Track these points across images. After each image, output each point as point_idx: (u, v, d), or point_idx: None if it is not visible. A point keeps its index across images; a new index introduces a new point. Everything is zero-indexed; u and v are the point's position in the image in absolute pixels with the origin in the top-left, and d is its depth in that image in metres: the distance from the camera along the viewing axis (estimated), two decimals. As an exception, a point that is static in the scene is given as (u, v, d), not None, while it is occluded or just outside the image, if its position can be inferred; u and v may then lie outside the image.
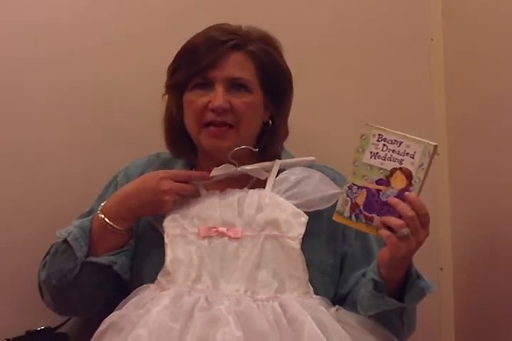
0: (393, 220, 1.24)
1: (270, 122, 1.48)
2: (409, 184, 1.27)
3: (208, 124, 1.41)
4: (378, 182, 1.28)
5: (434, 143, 1.28)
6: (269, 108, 1.47)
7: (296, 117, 1.80)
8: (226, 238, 1.35)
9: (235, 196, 1.40)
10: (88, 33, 1.72)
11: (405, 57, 1.94)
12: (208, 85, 1.42)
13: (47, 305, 1.48)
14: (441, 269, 1.93)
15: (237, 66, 1.42)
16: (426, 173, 1.27)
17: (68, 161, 1.70)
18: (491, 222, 1.77)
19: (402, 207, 1.24)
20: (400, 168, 1.27)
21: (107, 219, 1.38)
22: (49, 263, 1.43)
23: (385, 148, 1.28)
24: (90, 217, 1.42)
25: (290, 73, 1.49)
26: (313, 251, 1.39)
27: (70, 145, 1.71)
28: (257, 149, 1.45)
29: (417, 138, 1.29)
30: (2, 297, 1.62)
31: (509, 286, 1.67)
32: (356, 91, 1.91)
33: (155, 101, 1.54)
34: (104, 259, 1.38)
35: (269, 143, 1.48)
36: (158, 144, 1.55)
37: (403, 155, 1.27)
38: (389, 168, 1.28)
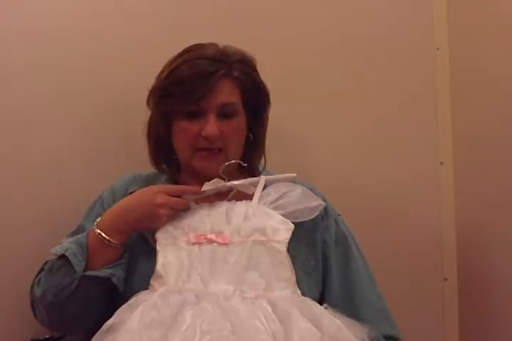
0: None
1: (251, 136, 1.56)
2: None
3: (200, 148, 1.49)
4: None
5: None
6: (249, 123, 1.55)
7: (298, 127, 1.84)
8: (215, 244, 1.39)
9: (223, 207, 1.45)
10: (91, 38, 1.73)
11: (411, 66, 1.94)
12: (199, 113, 1.48)
13: (40, 322, 1.49)
14: (446, 279, 1.93)
15: (226, 93, 1.49)
16: None
17: (69, 166, 1.70)
18: (496, 232, 1.77)
19: None
20: None
21: (103, 234, 1.41)
22: (44, 280, 1.45)
23: None
24: (85, 233, 1.45)
25: (266, 88, 1.56)
26: (295, 253, 1.42)
27: (70, 151, 1.71)
28: (246, 164, 1.52)
29: None
30: (6, 306, 1.62)
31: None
32: (361, 100, 1.91)
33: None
34: (102, 272, 1.40)
35: (252, 154, 1.56)
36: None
37: None
38: None
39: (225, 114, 1.49)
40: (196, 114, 1.48)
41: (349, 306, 1.44)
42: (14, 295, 1.60)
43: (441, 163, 1.95)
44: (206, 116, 1.48)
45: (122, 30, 1.75)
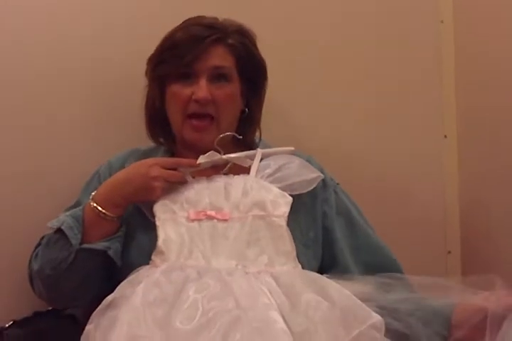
0: None
1: (247, 110, 1.56)
2: None
3: (191, 116, 1.49)
4: None
5: None
6: (245, 96, 1.56)
7: (299, 100, 1.83)
8: (215, 220, 1.39)
9: (221, 181, 1.45)
10: (91, 26, 1.72)
11: (415, 40, 1.94)
12: (191, 77, 1.49)
13: (38, 295, 1.50)
14: (450, 252, 1.93)
15: (219, 57, 1.50)
16: None
17: (69, 142, 1.70)
18: (499, 206, 1.77)
19: None
20: None
21: (99, 207, 1.41)
22: (41, 254, 1.46)
23: None
24: (81, 207, 1.45)
25: (264, 62, 1.56)
26: (294, 225, 1.42)
27: (70, 126, 1.71)
28: (241, 137, 1.52)
29: None
30: (9, 279, 1.63)
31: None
32: (364, 73, 1.90)
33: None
34: (98, 245, 1.41)
35: (247, 129, 1.56)
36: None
37: None
38: None
39: (217, 77, 1.49)
40: (188, 77, 1.49)
41: (364, 273, 1.43)
42: (17, 268, 1.60)
43: (445, 137, 1.95)
44: (198, 80, 1.48)
45: (126, 22, 1.74)
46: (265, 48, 1.56)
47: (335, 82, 1.88)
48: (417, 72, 1.94)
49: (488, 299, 1.25)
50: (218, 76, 1.49)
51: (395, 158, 1.91)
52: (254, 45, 1.55)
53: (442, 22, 1.95)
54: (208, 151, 1.46)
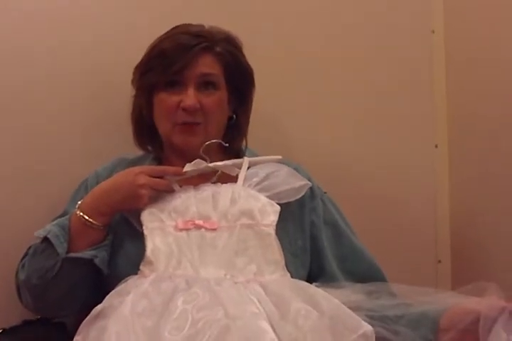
0: None
1: (234, 117, 1.56)
2: None
3: (180, 125, 1.49)
4: None
5: None
6: (232, 103, 1.56)
7: (295, 116, 1.84)
8: (203, 229, 1.39)
9: (209, 190, 1.44)
10: (90, 29, 1.73)
11: (407, 49, 1.94)
12: (179, 85, 1.49)
13: (25, 306, 1.49)
14: (440, 261, 1.93)
15: (207, 65, 1.50)
16: None
17: (57, 150, 1.70)
18: (490, 215, 1.77)
19: None
20: None
21: (85, 216, 1.41)
22: (28, 263, 1.45)
23: None
24: (68, 216, 1.45)
25: (251, 70, 1.57)
26: (282, 234, 1.42)
27: (58, 136, 1.70)
28: (227, 144, 1.52)
29: None
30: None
31: (509, 280, 1.67)
32: (355, 82, 1.91)
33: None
34: (84, 254, 1.40)
35: (234, 137, 1.57)
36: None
37: None
38: None
39: (205, 85, 1.49)
40: (176, 86, 1.49)
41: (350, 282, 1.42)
42: (6, 275, 1.60)
43: (436, 146, 1.95)
44: (186, 88, 1.48)
45: (124, 27, 1.75)
46: (255, 55, 1.56)
47: (325, 91, 1.88)
48: (408, 81, 1.94)
49: (480, 303, 1.25)
50: (206, 84, 1.50)
51: (387, 167, 1.92)
52: (241, 52, 1.56)
53: (433, 32, 1.96)
54: (194, 158, 1.45)
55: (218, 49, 1.51)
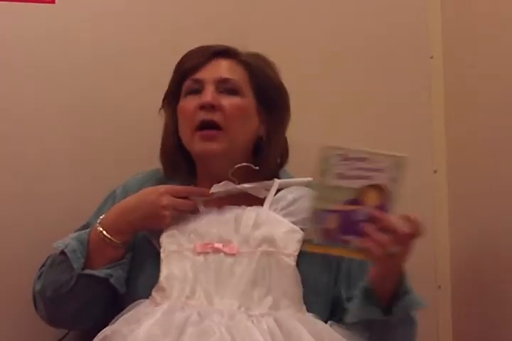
0: (382, 240, 1.22)
1: (264, 138, 1.50)
2: (384, 199, 1.24)
3: (199, 128, 1.43)
4: (350, 202, 1.23)
5: (404, 155, 1.25)
6: (264, 122, 1.49)
7: (293, 133, 1.83)
8: (222, 254, 1.35)
9: (232, 213, 1.40)
10: (92, 49, 1.75)
11: (405, 75, 1.95)
12: (199, 90, 1.44)
13: (41, 316, 1.48)
14: (439, 287, 1.92)
15: (227, 69, 1.46)
16: (399, 186, 1.24)
17: (68, 177, 1.71)
18: (490, 240, 1.77)
19: (388, 220, 1.23)
20: (372, 185, 1.23)
21: (105, 232, 1.38)
22: (45, 274, 1.43)
23: (350, 167, 1.23)
24: (88, 230, 1.42)
25: (286, 91, 1.52)
26: (308, 270, 1.38)
27: (69, 161, 1.71)
28: (258, 167, 1.45)
29: (384, 152, 1.25)
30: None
31: (509, 305, 1.66)
32: (354, 109, 1.91)
33: (158, 118, 1.56)
34: (100, 272, 1.38)
35: (264, 159, 1.49)
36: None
37: (372, 171, 1.23)
38: (359, 187, 1.23)
39: (227, 90, 1.44)
40: (196, 92, 1.45)
41: None
42: (8, 304, 1.61)
43: (435, 172, 1.95)
44: (204, 89, 1.44)
45: (124, 36, 1.77)
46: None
47: (323, 116, 1.88)
48: (407, 106, 1.94)
49: None
50: (228, 90, 1.44)
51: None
52: (273, 71, 1.50)
53: (432, 58, 1.96)
54: (227, 180, 1.42)
55: (243, 57, 1.47)
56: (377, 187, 1.24)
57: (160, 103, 1.55)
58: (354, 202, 1.23)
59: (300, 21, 1.90)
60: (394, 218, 1.23)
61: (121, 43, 1.77)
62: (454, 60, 1.93)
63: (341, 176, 1.23)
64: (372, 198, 1.24)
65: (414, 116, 1.94)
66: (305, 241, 1.26)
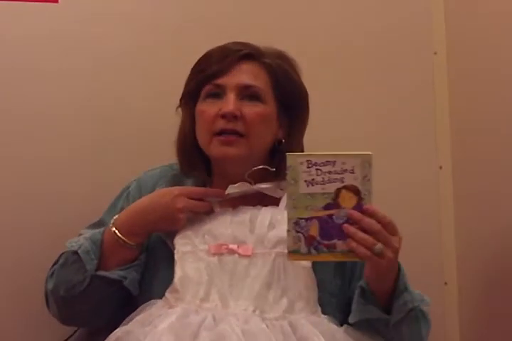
0: (365, 239, 1.21)
1: (283, 140, 1.47)
2: (360, 199, 1.24)
3: (219, 134, 1.40)
4: (326, 207, 1.23)
5: (370, 153, 1.25)
6: (284, 125, 1.47)
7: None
8: (236, 255, 1.34)
9: (247, 213, 1.39)
10: (95, 49, 1.74)
11: (409, 71, 1.94)
12: (219, 94, 1.41)
13: (52, 314, 1.47)
14: (446, 284, 1.92)
15: (250, 74, 1.42)
16: (371, 184, 1.24)
17: (75, 177, 1.70)
18: (496, 236, 1.77)
19: (367, 222, 1.22)
20: (344, 187, 1.23)
21: (119, 234, 1.37)
22: (57, 273, 1.42)
23: (319, 172, 1.22)
24: (101, 230, 1.40)
25: (307, 93, 1.49)
26: (323, 271, 1.37)
27: (77, 161, 1.71)
28: (274, 169, 1.44)
29: (348, 152, 1.25)
30: (9, 313, 1.62)
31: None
32: (358, 104, 1.91)
33: (166, 119, 1.55)
34: (113, 274, 1.37)
35: (281, 161, 1.44)
36: (167, 161, 1.56)
37: (342, 173, 1.23)
38: (332, 190, 1.22)
39: (248, 97, 1.41)
40: (216, 96, 1.41)
41: None
42: (17, 302, 1.61)
43: (440, 168, 1.95)
44: (226, 96, 1.40)
45: (127, 35, 1.76)
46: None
47: (327, 113, 1.86)
48: (411, 102, 1.94)
49: None
50: (250, 96, 1.41)
51: (391, 188, 1.91)
52: (296, 71, 1.47)
53: (436, 53, 1.96)
54: (243, 181, 1.40)
55: (266, 60, 1.43)
56: (351, 188, 1.24)
57: (165, 101, 1.55)
58: (331, 206, 1.24)
59: (303, 19, 1.89)
60: (369, 219, 1.22)
61: (125, 42, 1.76)
62: (457, 55, 1.93)
63: (313, 182, 1.23)
64: (347, 200, 1.24)
65: (418, 112, 1.94)
66: (289, 253, 1.24)
